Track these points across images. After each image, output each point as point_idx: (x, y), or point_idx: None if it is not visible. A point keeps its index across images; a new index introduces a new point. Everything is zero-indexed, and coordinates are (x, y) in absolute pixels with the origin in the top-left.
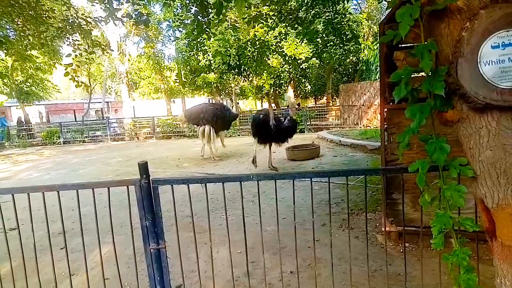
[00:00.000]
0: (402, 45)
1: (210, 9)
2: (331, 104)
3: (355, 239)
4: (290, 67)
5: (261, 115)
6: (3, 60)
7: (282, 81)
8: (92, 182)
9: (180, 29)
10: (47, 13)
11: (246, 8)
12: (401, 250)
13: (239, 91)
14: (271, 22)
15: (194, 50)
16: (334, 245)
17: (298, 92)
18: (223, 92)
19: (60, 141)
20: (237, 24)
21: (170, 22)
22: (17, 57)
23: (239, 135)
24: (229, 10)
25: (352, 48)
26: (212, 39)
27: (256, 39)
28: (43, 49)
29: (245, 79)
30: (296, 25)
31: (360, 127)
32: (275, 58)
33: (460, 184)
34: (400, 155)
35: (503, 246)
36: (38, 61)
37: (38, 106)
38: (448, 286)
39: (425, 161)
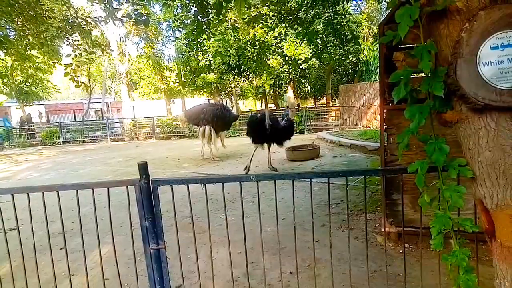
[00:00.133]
0: (402, 46)
1: (210, 10)
2: (330, 105)
3: (355, 240)
4: (290, 67)
5: (258, 115)
6: (3, 60)
7: (282, 82)
8: (91, 182)
9: (180, 29)
10: (47, 13)
11: (246, 9)
12: (401, 251)
13: (240, 92)
14: (271, 23)
15: (194, 50)
16: (334, 245)
17: (298, 92)
18: (223, 93)
19: (59, 141)
20: (237, 25)
21: (170, 22)
22: (16, 57)
23: (238, 135)
24: (229, 10)
25: (352, 48)
26: (212, 39)
27: (256, 39)
28: (43, 49)
29: (245, 79)
30: (296, 26)
31: (360, 127)
32: (275, 59)
33: (459, 185)
34: (400, 155)
35: (502, 247)
36: (38, 61)
37: (37, 106)
38: (447, 286)
39: (424, 161)
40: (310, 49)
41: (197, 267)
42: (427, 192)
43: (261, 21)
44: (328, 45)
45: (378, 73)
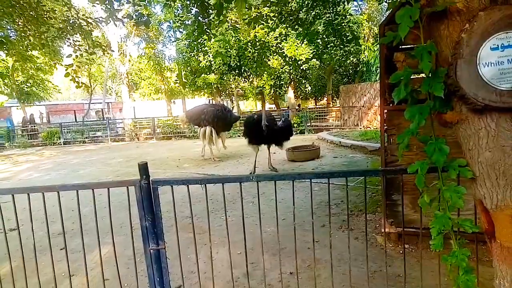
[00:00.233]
0: (402, 47)
1: (210, 10)
2: (331, 105)
3: (355, 240)
4: (291, 68)
5: (255, 116)
6: (4, 61)
7: (283, 82)
8: (92, 182)
9: (181, 30)
10: (48, 13)
11: (246, 9)
12: (401, 251)
13: (242, 92)
14: (272, 23)
15: (195, 51)
16: (334, 246)
17: (299, 93)
18: (223, 93)
19: (60, 142)
20: (237, 25)
21: (170, 23)
22: (17, 58)
23: (239, 136)
24: (229, 11)
25: (352, 49)
26: (212, 40)
27: (257, 40)
28: (43, 50)
29: (246, 80)
30: (296, 26)
31: (360, 128)
32: (276, 59)
33: (459, 186)
34: (400, 156)
35: (502, 247)
36: (38, 62)
37: (38, 106)
38: (447, 287)
39: (425, 162)
40: (311, 49)
41: (197, 268)
42: (427, 193)
43: (262, 22)
44: (328, 46)
45: (379, 74)
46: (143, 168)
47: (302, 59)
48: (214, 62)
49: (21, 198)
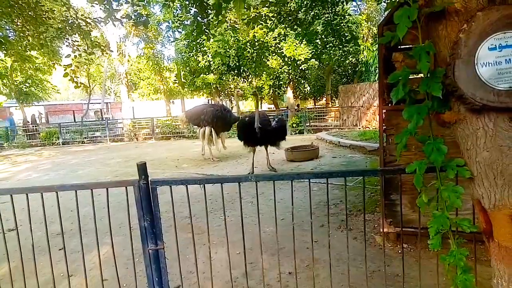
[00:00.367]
0: (401, 47)
1: (209, 10)
2: (330, 105)
3: (354, 240)
4: (290, 68)
5: (246, 118)
6: (3, 61)
7: (282, 82)
8: (91, 182)
9: (180, 30)
10: (46, 13)
11: (245, 9)
12: (399, 251)
13: (242, 92)
14: (271, 23)
15: (194, 51)
16: (333, 246)
17: (298, 93)
18: (222, 93)
19: (59, 142)
20: (236, 25)
21: (169, 23)
22: (16, 58)
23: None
24: (228, 11)
25: (351, 49)
26: (211, 40)
27: (256, 40)
28: (42, 50)
29: (245, 80)
30: (295, 26)
31: (359, 128)
32: (275, 59)
33: (457, 185)
34: (398, 156)
35: (500, 247)
36: (37, 62)
37: (37, 106)
38: (446, 287)
39: (423, 162)
40: (310, 49)
41: (196, 268)
42: (426, 192)
43: (261, 22)
44: (327, 46)
45: (378, 74)
46: (142, 168)
47: (301, 59)
48: (213, 62)
49: (20, 199)
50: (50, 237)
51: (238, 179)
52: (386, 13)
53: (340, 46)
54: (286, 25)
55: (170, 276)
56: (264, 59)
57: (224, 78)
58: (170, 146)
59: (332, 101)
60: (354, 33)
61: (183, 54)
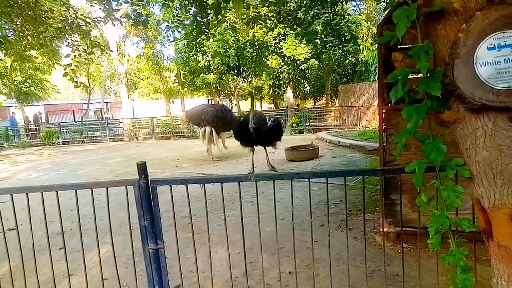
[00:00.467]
0: (400, 46)
1: (209, 10)
2: (330, 105)
3: (354, 240)
4: (289, 68)
5: (241, 118)
6: (2, 60)
7: (281, 82)
8: (91, 182)
9: (179, 29)
10: (46, 13)
11: (244, 9)
12: (399, 251)
13: (243, 92)
14: (270, 23)
15: (193, 50)
16: (333, 245)
17: (297, 93)
18: (222, 93)
19: (59, 142)
20: (236, 25)
21: (169, 23)
22: (16, 57)
23: None
24: (228, 11)
25: (351, 49)
26: (211, 39)
27: (255, 40)
28: (42, 50)
29: (244, 80)
30: (295, 26)
31: (359, 128)
32: (274, 59)
33: (457, 185)
34: (398, 155)
35: (499, 246)
36: (37, 62)
37: (37, 106)
38: (446, 286)
39: (422, 161)
40: (309, 49)
41: (196, 267)
42: (425, 192)
43: (260, 22)
44: (327, 46)
45: (377, 74)
46: (142, 168)
47: (300, 59)
48: (213, 62)
49: (20, 198)
50: (50, 237)
51: (238, 179)
52: (385, 12)
53: (340, 46)
54: (286, 25)
55: (170, 276)
56: (263, 59)
57: (224, 78)
58: (170, 146)
59: (332, 100)
60: (354, 33)
61: (182, 53)
